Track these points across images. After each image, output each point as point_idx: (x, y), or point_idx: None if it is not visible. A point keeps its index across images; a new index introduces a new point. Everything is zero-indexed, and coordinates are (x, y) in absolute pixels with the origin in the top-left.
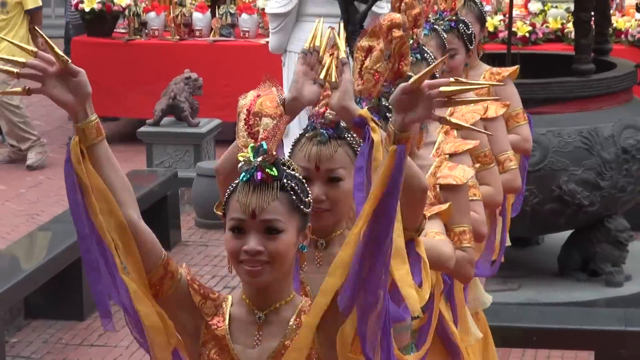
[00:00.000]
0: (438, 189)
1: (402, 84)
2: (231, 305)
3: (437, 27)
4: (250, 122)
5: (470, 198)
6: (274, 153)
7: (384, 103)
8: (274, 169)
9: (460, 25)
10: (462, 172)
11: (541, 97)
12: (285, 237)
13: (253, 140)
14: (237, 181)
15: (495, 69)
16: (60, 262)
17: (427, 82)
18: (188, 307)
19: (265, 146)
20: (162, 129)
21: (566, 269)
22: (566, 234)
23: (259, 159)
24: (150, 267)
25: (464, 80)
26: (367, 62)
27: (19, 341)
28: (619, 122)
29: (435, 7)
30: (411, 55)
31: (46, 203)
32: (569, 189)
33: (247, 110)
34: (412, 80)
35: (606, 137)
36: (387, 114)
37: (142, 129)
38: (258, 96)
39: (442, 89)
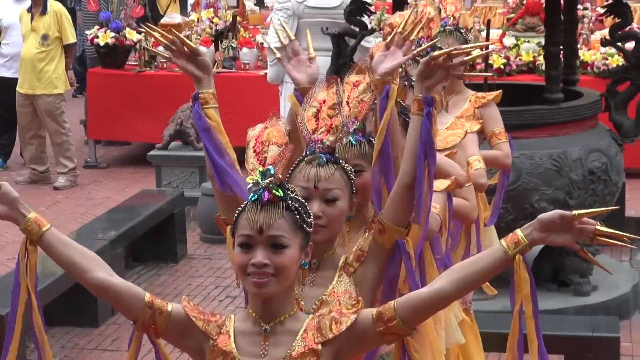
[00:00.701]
0: None
1: (561, 212)
2: (234, 322)
3: (418, 58)
4: (258, 150)
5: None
6: (280, 176)
7: (368, 128)
8: (280, 190)
9: (437, 49)
10: (440, 183)
11: (515, 124)
12: (290, 252)
13: (261, 165)
14: (245, 202)
15: (480, 94)
16: None
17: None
18: (189, 333)
19: (272, 170)
20: (170, 152)
21: (538, 280)
22: (538, 248)
23: (267, 181)
24: (136, 311)
25: (608, 229)
26: (354, 93)
27: None
28: (585, 146)
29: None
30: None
31: (64, 220)
32: (541, 207)
33: (255, 139)
34: (576, 212)
35: (574, 160)
36: (372, 138)
37: (152, 152)
38: (266, 127)
39: (598, 227)
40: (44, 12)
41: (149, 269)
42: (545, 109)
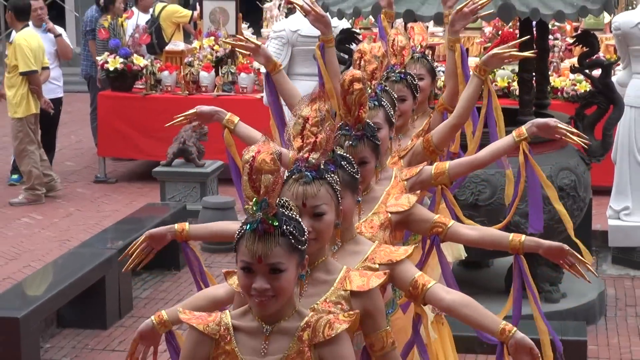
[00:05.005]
0: (389, 215)
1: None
2: (231, 318)
3: (387, 88)
4: (253, 177)
5: None
6: (275, 205)
7: (338, 152)
8: (275, 220)
9: (408, 77)
10: (407, 200)
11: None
12: (287, 274)
13: (256, 194)
14: (244, 227)
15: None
16: (87, 280)
17: None
18: (199, 342)
19: (267, 201)
20: (173, 169)
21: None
22: (512, 258)
23: (262, 212)
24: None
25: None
26: (318, 116)
27: (52, 347)
28: (556, 165)
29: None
30: (369, 102)
31: (76, 231)
32: (515, 220)
33: (249, 165)
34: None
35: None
36: (342, 162)
37: (157, 169)
38: (258, 152)
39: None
40: (11, 42)
41: (154, 276)
42: None
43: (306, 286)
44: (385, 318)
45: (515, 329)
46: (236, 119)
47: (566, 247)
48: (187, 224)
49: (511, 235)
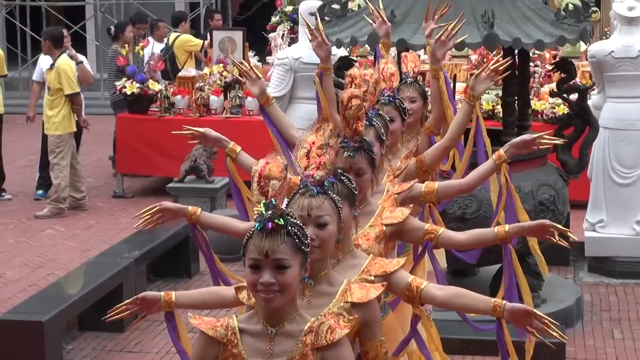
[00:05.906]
0: (384, 228)
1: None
2: (238, 322)
3: (380, 112)
4: (262, 184)
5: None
6: (281, 207)
7: (338, 170)
8: (281, 219)
9: (397, 100)
10: (400, 213)
11: (476, 162)
12: (292, 271)
13: (264, 198)
14: (252, 229)
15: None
16: (106, 286)
17: None
18: (207, 345)
19: (274, 202)
20: (185, 185)
21: (496, 295)
22: (496, 266)
23: (269, 212)
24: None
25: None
26: (322, 140)
27: (74, 348)
28: (536, 181)
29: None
30: None
31: (96, 242)
32: None
33: (258, 174)
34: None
35: (526, 193)
36: (342, 177)
37: (170, 184)
38: (267, 163)
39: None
40: (51, 67)
41: (167, 283)
42: None
43: (311, 298)
44: (381, 328)
45: (504, 302)
46: (238, 148)
47: (547, 221)
48: (199, 209)
49: (496, 228)
